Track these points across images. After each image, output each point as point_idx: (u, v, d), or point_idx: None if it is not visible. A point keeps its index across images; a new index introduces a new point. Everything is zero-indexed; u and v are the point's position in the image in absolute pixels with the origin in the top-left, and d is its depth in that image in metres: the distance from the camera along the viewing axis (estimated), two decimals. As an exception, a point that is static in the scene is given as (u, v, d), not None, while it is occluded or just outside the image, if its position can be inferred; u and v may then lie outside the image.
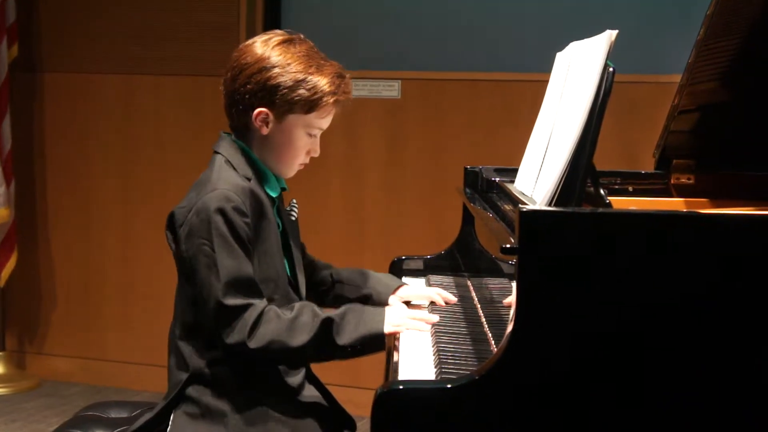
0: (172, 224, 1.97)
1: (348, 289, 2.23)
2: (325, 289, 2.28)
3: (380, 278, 2.25)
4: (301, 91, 1.96)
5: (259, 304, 1.89)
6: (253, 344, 1.86)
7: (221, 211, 1.88)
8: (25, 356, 4.66)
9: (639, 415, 1.52)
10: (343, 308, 1.93)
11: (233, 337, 1.86)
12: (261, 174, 2.02)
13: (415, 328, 1.96)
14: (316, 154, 2.07)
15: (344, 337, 1.88)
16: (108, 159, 4.49)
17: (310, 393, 2.07)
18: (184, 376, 1.96)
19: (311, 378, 2.11)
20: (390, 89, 4.08)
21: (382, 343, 1.90)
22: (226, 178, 1.95)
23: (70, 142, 4.53)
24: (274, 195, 2.04)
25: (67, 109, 4.53)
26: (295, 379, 2.04)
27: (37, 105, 4.57)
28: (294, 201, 2.16)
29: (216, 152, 2.02)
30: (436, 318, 2.01)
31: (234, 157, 1.99)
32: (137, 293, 4.45)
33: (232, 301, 1.86)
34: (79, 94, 4.50)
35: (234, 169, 1.97)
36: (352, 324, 1.89)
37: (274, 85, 1.96)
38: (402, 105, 4.09)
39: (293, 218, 2.14)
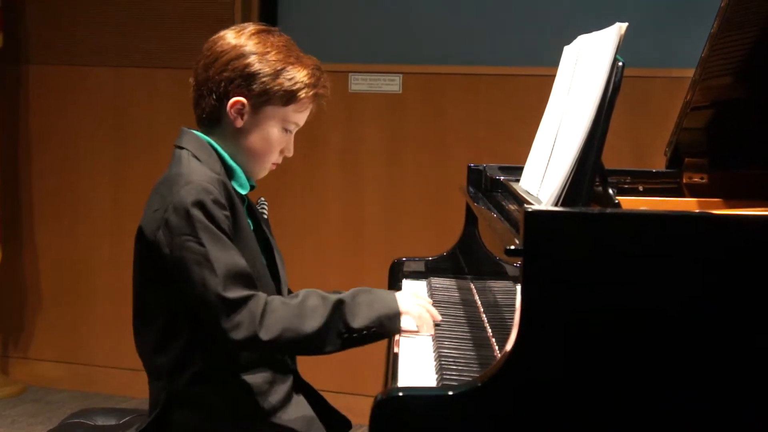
0: (141, 236, 1.88)
1: None
2: None
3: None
4: (281, 81, 1.90)
5: (261, 294, 1.81)
6: (265, 336, 1.76)
7: (200, 204, 1.80)
8: (10, 361, 4.60)
9: (647, 425, 1.48)
10: (351, 291, 1.86)
11: (242, 332, 1.76)
12: (229, 170, 1.94)
13: (426, 322, 1.90)
14: (290, 154, 2.01)
15: (359, 319, 1.80)
16: (98, 155, 4.42)
17: (297, 405, 1.99)
18: (164, 395, 1.89)
19: (299, 386, 2.03)
20: (391, 83, 4.04)
21: (398, 324, 1.84)
22: (198, 170, 1.87)
23: (57, 137, 4.47)
24: (243, 192, 1.96)
25: (54, 103, 4.46)
26: (281, 389, 1.95)
27: (23, 98, 4.50)
28: (262, 198, 2.08)
29: (180, 147, 1.94)
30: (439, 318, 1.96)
31: (200, 151, 1.91)
32: (127, 297, 4.34)
33: (233, 294, 1.77)
34: (68, 88, 4.44)
35: (200, 163, 1.90)
36: (365, 304, 1.81)
37: (254, 72, 1.90)
38: (403, 100, 4.06)
39: (265, 216, 2.07)
